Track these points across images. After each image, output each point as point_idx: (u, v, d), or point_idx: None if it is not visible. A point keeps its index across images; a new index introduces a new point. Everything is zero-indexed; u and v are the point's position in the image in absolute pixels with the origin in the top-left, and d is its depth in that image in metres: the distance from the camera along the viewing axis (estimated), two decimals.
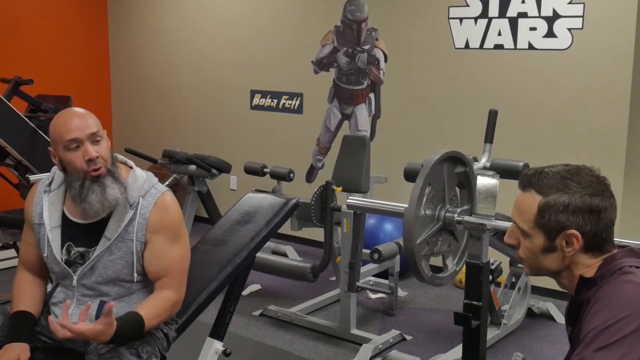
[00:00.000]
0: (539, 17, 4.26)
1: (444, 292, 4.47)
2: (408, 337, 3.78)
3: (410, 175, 3.00)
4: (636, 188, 4.16)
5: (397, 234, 4.40)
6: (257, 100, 5.80)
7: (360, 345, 3.57)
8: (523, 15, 4.32)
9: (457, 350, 3.38)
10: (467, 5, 4.53)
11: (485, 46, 4.50)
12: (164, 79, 6.46)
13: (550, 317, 4.07)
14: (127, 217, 2.11)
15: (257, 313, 4.11)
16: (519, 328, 3.88)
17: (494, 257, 3.20)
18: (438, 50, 4.73)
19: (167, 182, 5.98)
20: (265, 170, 4.67)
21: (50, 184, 2.21)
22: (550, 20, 4.22)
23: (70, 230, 2.16)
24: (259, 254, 2.91)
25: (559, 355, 3.53)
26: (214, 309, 2.55)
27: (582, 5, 4.11)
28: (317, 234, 4.54)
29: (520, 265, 3.88)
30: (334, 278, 4.56)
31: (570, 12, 4.15)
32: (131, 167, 2.22)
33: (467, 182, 2.68)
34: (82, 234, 2.15)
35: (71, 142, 2.05)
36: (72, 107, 2.18)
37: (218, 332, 2.52)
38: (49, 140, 2.17)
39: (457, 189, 2.68)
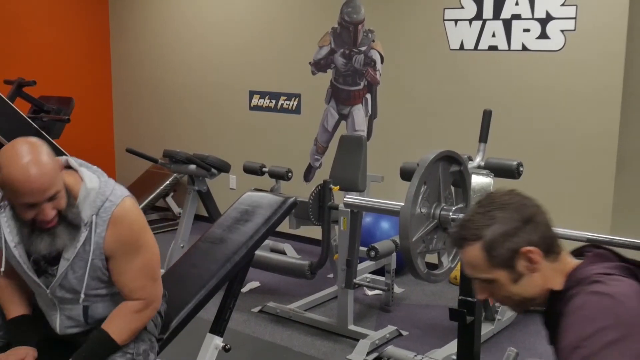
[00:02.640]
0: (532, 18, 4.31)
1: (439, 289, 4.51)
2: (404, 333, 3.82)
3: (406, 174, 3.00)
4: (627, 188, 4.19)
5: (394, 231, 4.41)
6: (255, 100, 5.85)
7: (358, 340, 3.61)
8: (517, 17, 4.37)
9: (452, 346, 3.40)
10: (462, 7, 4.58)
11: (479, 47, 4.55)
12: (164, 80, 6.50)
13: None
14: (82, 238, 1.96)
15: (256, 309, 4.15)
16: (512, 324, 3.93)
17: None
18: (433, 51, 4.77)
19: (167, 182, 6.06)
20: (264, 169, 4.69)
21: (2, 199, 2.00)
22: (543, 22, 4.28)
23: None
24: (258, 252, 2.92)
25: (551, 350, 3.57)
26: (213, 305, 2.59)
27: (575, 7, 4.15)
28: (315, 232, 4.56)
29: None
30: (331, 275, 4.59)
31: (563, 14, 4.19)
32: (82, 179, 2.01)
33: (461, 180, 2.70)
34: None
35: (26, 204, 1.87)
36: (24, 161, 1.81)
37: (218, 328, 2.55)
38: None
39: (452, 188, 2.68)
